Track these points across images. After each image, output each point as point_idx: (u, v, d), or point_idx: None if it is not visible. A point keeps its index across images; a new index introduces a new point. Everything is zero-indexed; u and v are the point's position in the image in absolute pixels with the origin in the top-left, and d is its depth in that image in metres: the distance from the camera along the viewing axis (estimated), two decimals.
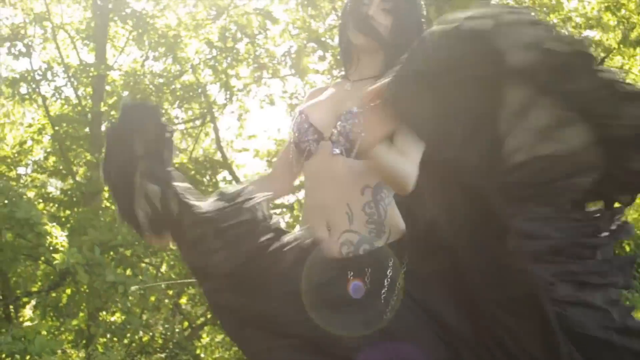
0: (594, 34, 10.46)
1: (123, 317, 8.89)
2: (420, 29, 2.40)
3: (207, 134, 13.38)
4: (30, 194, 10.94)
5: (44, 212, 10.04)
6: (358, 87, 2.39)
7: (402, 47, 2.26)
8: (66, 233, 8.25)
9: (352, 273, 2.29)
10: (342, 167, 2.34)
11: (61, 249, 7.59)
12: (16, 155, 11.10)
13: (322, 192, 2.37)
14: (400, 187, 2.23)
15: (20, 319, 9.18)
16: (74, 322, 9.99)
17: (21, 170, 11.41)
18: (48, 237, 7.64)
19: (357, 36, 2.42)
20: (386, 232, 2.34)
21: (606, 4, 9.36)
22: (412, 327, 2.25)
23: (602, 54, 10.13)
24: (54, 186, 12.11)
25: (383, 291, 2.27)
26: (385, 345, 2.21)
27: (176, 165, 10.45)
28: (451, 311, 2.27)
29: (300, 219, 2.54)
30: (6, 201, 7.42)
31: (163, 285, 9.50)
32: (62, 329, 10.01)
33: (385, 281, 2.28)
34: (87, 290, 8.40)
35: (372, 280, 2.29)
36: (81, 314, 9.66)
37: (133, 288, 7.51)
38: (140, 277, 8.08)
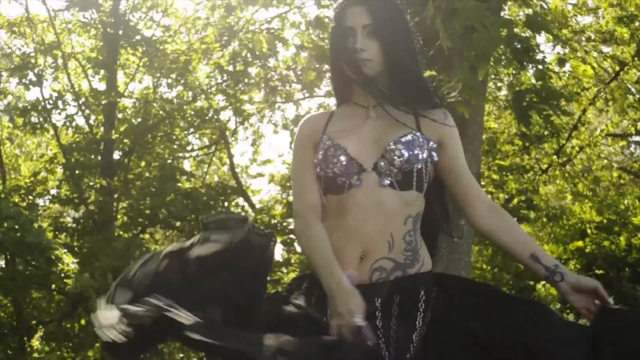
0: (608, 49, 10.40)
1: None
2: (411, 39, 2.40)
3: (221, 160, 13.33)
4: (44, 224, 10.91)
5: (56, 240, 9.98)
6: (381, 112, 2.37)
7: (399, 65, 2.33)
8: (77, 260, 8.19)
9: (379, 299, 2.25)
10: (390, 198, 2.31)
11: (72, 275, 7.54)
12: (30, 185, 11.07)
13: (363, 221, 2.31)
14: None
15: (28, 350, 9.09)
16: (90, 353, 9.91)
17: (40, 201, 11.41)
18: (59, 264, 7.60)
19: (350, 71, 2.37)
20: (420, 261, 2.32)
21: (619, 16, 9.28)
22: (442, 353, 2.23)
23: (617, 68, 10.06)
24: (71, 216, 12.10)
25: (418, 320, 2.26)
26: None
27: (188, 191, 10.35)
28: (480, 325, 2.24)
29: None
30: (17, 226, 7.38)
31: None
32: (78, 359, 9.93)
33: (419, 310, 2.27)
34: None
35: (401, 307, 2.26)
36: (97, 344, 9.56)
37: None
38: None
